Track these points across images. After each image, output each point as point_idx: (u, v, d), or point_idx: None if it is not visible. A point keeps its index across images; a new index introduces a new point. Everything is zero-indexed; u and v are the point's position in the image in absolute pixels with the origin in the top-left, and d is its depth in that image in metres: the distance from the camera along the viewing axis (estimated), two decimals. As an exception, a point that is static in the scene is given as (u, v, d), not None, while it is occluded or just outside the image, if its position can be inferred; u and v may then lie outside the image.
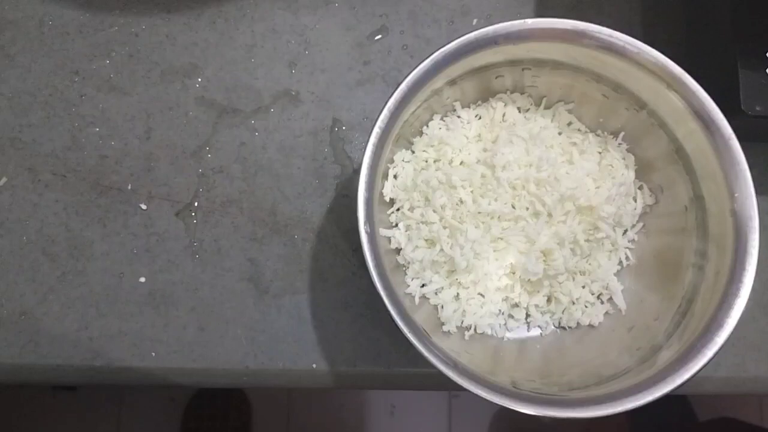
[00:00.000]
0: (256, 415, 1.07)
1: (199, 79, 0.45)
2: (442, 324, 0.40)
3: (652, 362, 0.35)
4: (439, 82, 0.38)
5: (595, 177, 0.40)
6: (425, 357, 0.32)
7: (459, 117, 0.42)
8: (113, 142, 0.44)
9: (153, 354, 0.41)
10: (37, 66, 0.45)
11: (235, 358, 0.41)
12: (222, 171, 0.44)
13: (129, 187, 0.43)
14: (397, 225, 0.41)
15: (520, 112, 0.42)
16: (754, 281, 0.43)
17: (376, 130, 0.35)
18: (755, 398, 1.14)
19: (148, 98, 0.45)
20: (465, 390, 0.33)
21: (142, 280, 0.42)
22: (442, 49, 0.36)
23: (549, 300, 0.41)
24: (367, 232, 0.34)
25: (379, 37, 0.46)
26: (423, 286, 0.40)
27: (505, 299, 0.41)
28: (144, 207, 0.43)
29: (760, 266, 0.43)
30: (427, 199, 0.40)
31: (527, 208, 0.39)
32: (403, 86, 0.36)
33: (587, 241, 0.40)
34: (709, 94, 0.36)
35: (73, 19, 0.46)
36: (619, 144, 0.41)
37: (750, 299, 0.43)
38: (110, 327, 0.42)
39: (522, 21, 0.36)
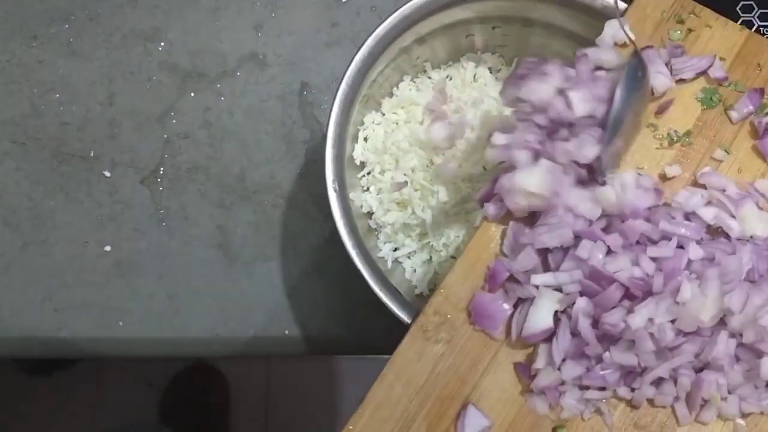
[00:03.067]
0: (234, 395, 1.06)
1: (162, 43, 0.44)
2: (415, 287, 0.39)
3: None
4: (407, 39, 0.37)
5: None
6: (397, 315, 0.32)
7: (429, 78, 0.41)
8: (74, 108, 0.43)
9: (120, 324, 0.40)
10: (-8, 31, 0.43)
11: (205, 327, 0.41)
12: (187, 137, 0.42)
13: (92, 155, 0.42)
14: (368, 189, 0.40)
15: (491, 72, 0.42)
16: None
17: (343, 86, 0.34)
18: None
19: (109, 63, 0.43)
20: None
21: (108, 249, 0.41)
22: (410, 4, 0.35)
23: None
24: (335, 190, 0.33)
25: (347, -2, 0.45)
26: (395, 250, 0.40)
27: (478, 261, 0.40)
28: (108, 174, 0.42)
29: None
30: (397, 162, 0.39)
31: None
32: (369, 41, 0.35)
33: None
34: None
35: (30, -18, 0.44)
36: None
37: None
38: (75, 297, 0.40)
39: (491, -26, 0.35)
